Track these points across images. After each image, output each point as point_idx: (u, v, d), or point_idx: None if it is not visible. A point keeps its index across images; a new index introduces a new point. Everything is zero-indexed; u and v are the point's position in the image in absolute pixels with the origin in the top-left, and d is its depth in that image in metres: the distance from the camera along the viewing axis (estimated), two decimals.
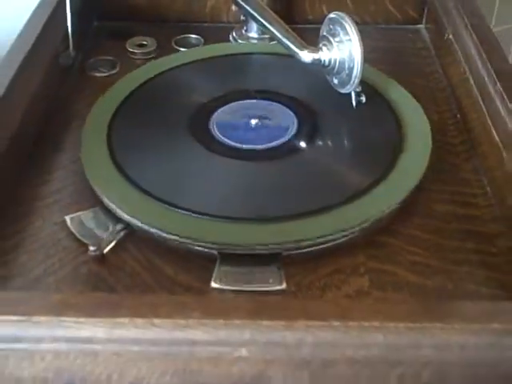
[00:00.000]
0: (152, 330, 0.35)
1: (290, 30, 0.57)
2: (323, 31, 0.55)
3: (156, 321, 0.35)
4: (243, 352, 0.36)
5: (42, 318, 0.35)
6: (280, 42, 0.57)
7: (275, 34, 0.57)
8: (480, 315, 0.36)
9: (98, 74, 0.64)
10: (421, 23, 0.74)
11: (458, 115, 0.60)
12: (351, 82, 0.54)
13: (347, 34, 0.53)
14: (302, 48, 0.55)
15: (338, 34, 0.54)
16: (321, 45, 0.55)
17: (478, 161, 0.54)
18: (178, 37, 0.69)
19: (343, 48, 0.54)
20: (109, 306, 0.36)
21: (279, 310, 0.36)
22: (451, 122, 0.59)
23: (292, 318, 0.35)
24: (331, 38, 0.54)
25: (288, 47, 0.56)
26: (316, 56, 0.55)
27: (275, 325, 0.35)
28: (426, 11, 0.73)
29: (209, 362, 0.38)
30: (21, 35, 0.59)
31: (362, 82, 0.56)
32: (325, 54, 0.55)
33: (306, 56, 0.55)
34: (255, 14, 0.60)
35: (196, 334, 0.35)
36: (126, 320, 0.35)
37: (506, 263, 0.46)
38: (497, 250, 0.47)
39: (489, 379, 0.39)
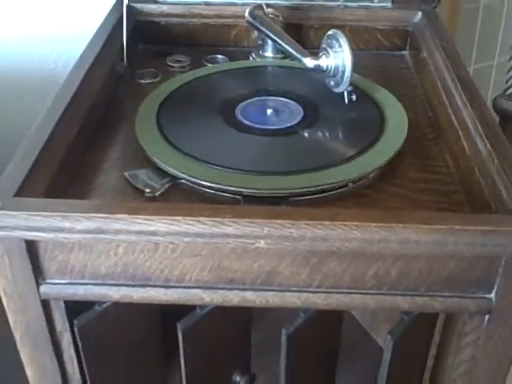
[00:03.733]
0: (198, 226, 0.50)
1: (296, 43, 0.74)
2: (323, 44, 0.71)
3: (201, 219, 0.50)
4: (262, 243, 0.50)
5: (121, 216, 0.50)
6: (289, 52, 0.73)
7: (285, 47, 0.74)
8: (429, 219, 0.50)
9: (143, 82, 0.80)
10: (405, 50, 0.90)
11: (430, 113, 0.75)
12: (343, 82, 0.70)
13: (341, 46, 0.69)
14: (305, 56, 0.72)
15: (334, 46, 0.70)
16: (320, 54, 0.71)
17: (443, 144, 0.69)
18: (208, 56, 0.86)
19: (338, 56, 0.70)
20: (168, 209, 0.51)
21: (288, 214, 0.51)
22: (424, 118, 0.75)
23: (296, 219, 0.50)
24: (329, 49, 0.71)
25: (295, 56, 0.73)
26: (316, 62, 0.71)
27: (284, 223, 0.50)
28: (408, 40, 0.90)
29: (236, 259, 0.53)
30: (88, 48, 0.76)
31: (354, 86, 0.72)
32: (323, 61, 0.71)
33: (309, 62, 0.71)
34: (270, 34, 0.77)
35: (228, 230, 0.50)
36: (180, 218, 0.50)
37: (457, 210, 0.60)
38: (452, 201, 0.61)
39: (439, 275, 0.53)
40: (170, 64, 0.83)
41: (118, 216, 0.50)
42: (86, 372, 0.61)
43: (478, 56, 1.25)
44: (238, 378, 0.65)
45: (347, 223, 0.50)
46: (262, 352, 0.71)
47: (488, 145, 0.59)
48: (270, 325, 0.73)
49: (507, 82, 1.00)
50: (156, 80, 0.81)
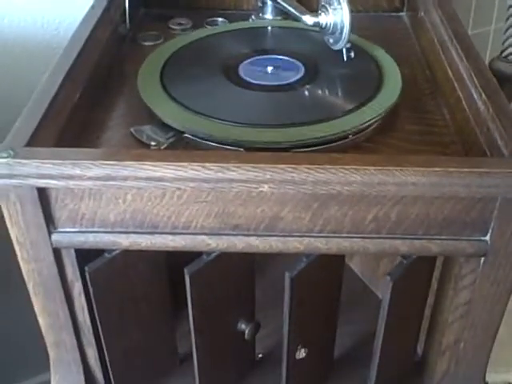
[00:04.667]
0: (203, 172, 0.52)
1: (296, 2, 0.75)
2: (321, 1, 0.73)
3: (207, 165, 0.52)
4: (265, 188, 0.52)
5: (129, 163, 0.52)
6: (288, 11, 0.75)
7: (285, 6, 0.75)
8: (426, 162, 0.52)
9: (146, 43, 0.82)
10: (402, 11, 0.92)
11: (428, 71, 0.77)
12: (342, 39, 0.71)
13: (339, 3, 0.71)
14: (305, 13, 0.73)
15: (333, 3, 0.71)
16: (319, 11, 0.73)
17: (440, 98, 0.71)
18: (208, 19, 0.87)
19: (336, 14, 0.71)
20: (175, 155, 0.52)
21: (290, 159, 0.53)
22: (422, 76, 0.76)
23: (298, 163, 0.52)
24: (327, 6, 0.72)
25: (294, 14, 0.74)
26: (316, 19, 0.73)
27: (286, 168, 0.52)
28: (406, 1, 0.91)
29: (240, 205, 0.55)
30: (90, 11, 0.78)
31: (352, 45, 0.73)
32: (323, 18, 0.72)
33: (309, 19, 0.73)
34: None
35: (233, 175, 0.52)
36: (186, 164, 0.52)
37: None
38: (450, 151, 0.63)
39: (436, 218, 0.55)
40: (172, 27, 0.85)
41: (126, 163, 0.52)
42: (96, 320, 0.63)
43: (475, 22, 1.26)
44: (243, 326, 0.67)
45: (347, 167, 0.52)
46: (265, 306, 0.73)
47: (483, 95, 0.61)
48: (274, 279, 0.75)
49: (503, 43, 1.01)
50: (158, 42, 0.82)
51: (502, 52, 1.03)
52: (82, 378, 0.68)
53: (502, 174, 0.52)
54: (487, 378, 0.70)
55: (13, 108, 0.71)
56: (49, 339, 0.66)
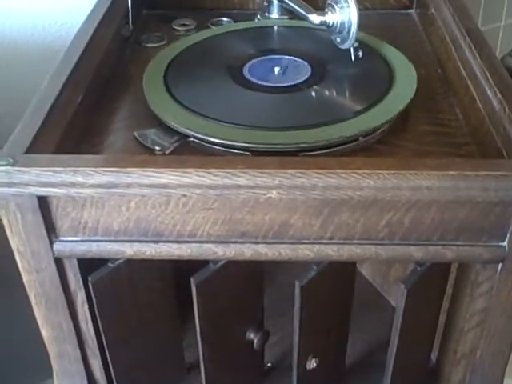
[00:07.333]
0: (209, 178, 0.50)
1: (302, 0, 0.73)
2: (328, 0, 0.71)
3: (213, 170, 0.50)
4: (274, 194, 0.50)
5: (132, 169, 0.50)
6: (294, 10, 0.73)
7: (291, 5, 0.73)
8: (440, 165, 0.50)
9: (149, 45, 0.80)
10: (411, 8, 0.89)
11: (439, 70, 0.75)
12: (350, 38, 0.69)
13: (347, 1, 0.69)
14: (311, 12, 0.71)
15: (340, 2, 0.69)
16: (326, 10, 0.71)
17: (453, 98, 0.69)
18: (213, 20, 0.85)
19: (344, 12, 0.69)
20: (179, 161, 0.50)
21: (299, 163, 0.51)
22: (434, 74, 0.74)
23: (307, 168, 0.50)
24: (334, 5, 0.70)
25: (300, 13, 0.72)
26: (322, 18, 0.71)
27: (296, 173, 0.50)
28: None
29: (248, 212, 0.53)
30: (92, 12, 0.76)
31: (361, 43, 0.71)
32: (329, 17, 0.70)
33: (315, 18, 0.71)
34: None
35: (240, 180, 0.50)
36: (191, 170, 0.50)
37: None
38: (464, 152, 0.61)
39: (452, 223, 0.53)
40: (176, 28, 0.83)
41: (129, 169, 0.50)
42: (100, 330, 0.61)
43: (484, 18, 1.23)
44: (252, 336, 0.65)
45: (359, 171, 0.50)
46: (274, 314, 0.71)
47: (498, 93, 0.59)
48: (282, 286, 0.73)
49: None
50: (162, 44, 0.80)
51: None
52: None
53: None
54: None
55: (15, 113, 0.69)
56: (52, 351, 0.64)
